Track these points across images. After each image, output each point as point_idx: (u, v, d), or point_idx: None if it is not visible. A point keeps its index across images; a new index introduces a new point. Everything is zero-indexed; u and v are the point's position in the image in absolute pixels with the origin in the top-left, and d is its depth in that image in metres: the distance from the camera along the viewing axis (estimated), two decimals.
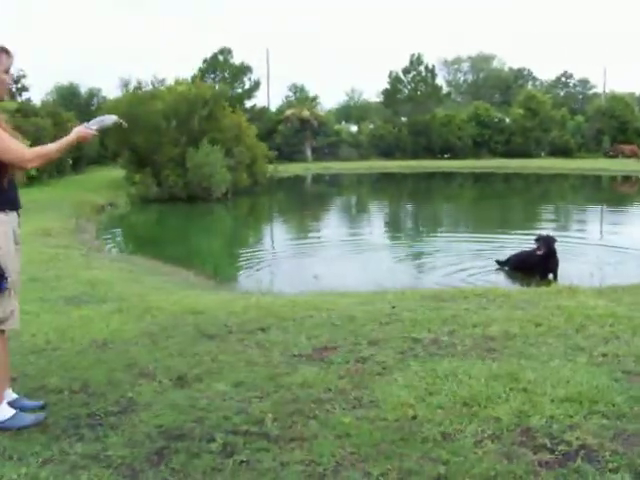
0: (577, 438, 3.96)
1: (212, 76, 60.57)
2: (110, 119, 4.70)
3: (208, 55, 62.26)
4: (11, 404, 4.45)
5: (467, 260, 13.91)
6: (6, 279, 4.18)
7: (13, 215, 4.30)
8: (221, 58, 62.22)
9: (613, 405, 4.40)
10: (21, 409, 4.46)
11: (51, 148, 4.39)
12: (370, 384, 4.95)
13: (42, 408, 4.56)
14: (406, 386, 4.83)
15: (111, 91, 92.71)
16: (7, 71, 4.28)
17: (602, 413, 4.30)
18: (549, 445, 3.91)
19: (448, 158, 62.25)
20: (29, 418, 4.35)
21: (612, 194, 37.64)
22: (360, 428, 4.20)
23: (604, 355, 5.44)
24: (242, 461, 3.81)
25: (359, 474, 3.67)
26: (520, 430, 4.11)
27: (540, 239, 11.81)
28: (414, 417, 4.33)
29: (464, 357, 5.48)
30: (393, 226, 24.09)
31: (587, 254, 14.85)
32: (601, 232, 20.58)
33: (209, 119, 31.35)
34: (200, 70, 60.00)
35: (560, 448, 3.87)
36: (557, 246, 11.84)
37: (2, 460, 3.85)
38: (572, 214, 27.05)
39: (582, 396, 4.50)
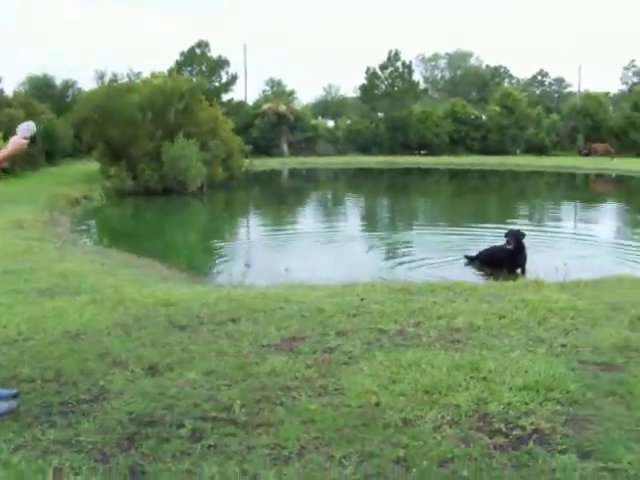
0: (531, 423, 4.14)
1: (189, 69, 60.37)
2: (30, 125, 4.60)
3: (185, 48, 61.98)
4: None
5: (439, 254, 14.13)
6: None
7: None
8: (198, 51, 62.00)
9: (567, 392, 4.60)
10: None
11: None
12: (336, 373, 5.10)
13: (15, 397, 4.64)
14: (370, 375, 4.98)
15: (86, 83, 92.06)
16: None
17: (557, 400, 4.49)
18: (504, 430, 4.08)
19: (425, 154, 62.44)
20: (2, 406, 4.44)
21: (586, 192, 38.38)
22: (325, 414, 4.35)
23: (563, 346, 5.64)
24: (210, 445, 3.94)
25: (322, 457, 3.81)
26: (478, 416, 4.28)
27: (509, 234, 11.99)
28: (377, 404, 4.49)
29: (428, 348, 5.65)
30: (368, 220, 24.32)
31: (561, 247, 15.34)
32: (575, 226, 21.29)
33: (185, 112, 31.32)
34: (177, 63, 59.83)
35: (514, 433, 4.05)
36: (532, 240, 12.02)
37: None
38: (547, 210, 27.58)
39: (539, 384, 4.69)
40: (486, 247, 13.01)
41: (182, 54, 61.58)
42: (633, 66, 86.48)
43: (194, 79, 47.47)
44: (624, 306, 7.01)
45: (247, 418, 4.33)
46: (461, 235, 17.09)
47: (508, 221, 19.77)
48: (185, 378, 5.01)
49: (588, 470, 3.63)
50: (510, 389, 4.65)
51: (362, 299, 7.37)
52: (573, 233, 18.77)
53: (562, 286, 8.38)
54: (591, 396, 4.56)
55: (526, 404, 4.43)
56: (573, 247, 15.41)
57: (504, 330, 6.16)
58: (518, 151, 65.59)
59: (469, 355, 5.37)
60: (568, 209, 28.25)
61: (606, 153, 55.44)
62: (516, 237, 11.85)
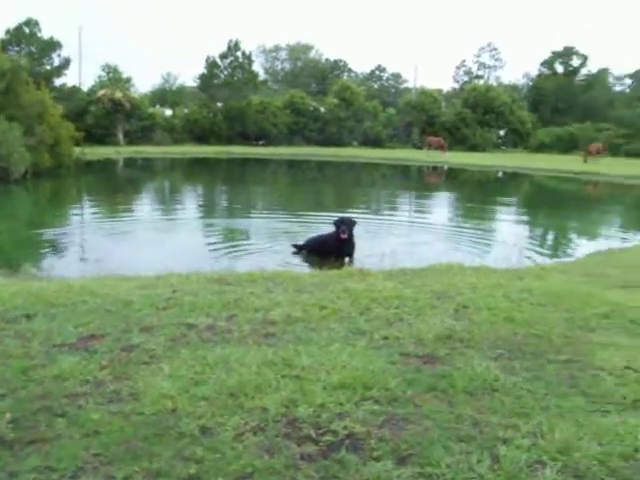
0: (344, 427, 3.71)
1: (16, 49, 56.73)
2: None
3: (12, 26, 58.17)
4: None
5: (271, 241, 13.63)
6: None
7: None
8: (27, 30, 58.37)
9: (386, 390, 4.21)
10: None
11: None
12: (133, 374, 4.48)
13: None
14: (171, 376, 4.39)
15: None
16: None
17: (374, 399, 4.09)
18: (314, 436, 3.63)
19: (263, 145, 62.22)
20: None
21: (420, 182, 39.42)
22: (112, 425, 3.74)
23: (385, 338, 5.30)
24: None
25: (100, 479, 3.20)
26: (286, 421, 3.80)
27: (340, 222, 11.70)
28: (173, 410, 3.92)
29: (239, 343, 5.13)
30: (204, 208, 23.47)
31: (395, 234, 15.30)
32: (409, 214, 21.49)
33: (7, 94, 29.20)
34: (2, 42, 55.94)
35: (325, 439, 3.60)
36: (365, 227, 11.74)
37: None
38: (383, 199, 27.96)
39: (356, 382, 4.28)
40: (313, 236, 12.60)
41: (8, 32, 57.72)
42: (464, 65, 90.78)
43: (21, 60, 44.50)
44: (450, 294, 6.82)
45: (16, 435, 3.63)
46: (297, 222, 16.63)
47: (344, 209, 19.65)
48: None
49: (403, 477, 3.24)
50: (324, 388, 4.20)
51: (174, 291, 6.73)
52: (408, 221, 18.82)
53: (389, 274, 8.12)
54: (411, 392, 4.20)
55: (341, 405, 3.99)
56: (407, 234, 15.44)
57: (324, 322, 5.73)
58: (355, 143, 67.18)
59: (283, 350, 4.89)
60: (403, 198, 28.69)
61: (439, 147, 57.47)
62: (348, 226, 11.56)
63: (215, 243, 13.92)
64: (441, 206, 25.46)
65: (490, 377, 4.47)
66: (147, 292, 6.74)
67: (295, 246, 12.40)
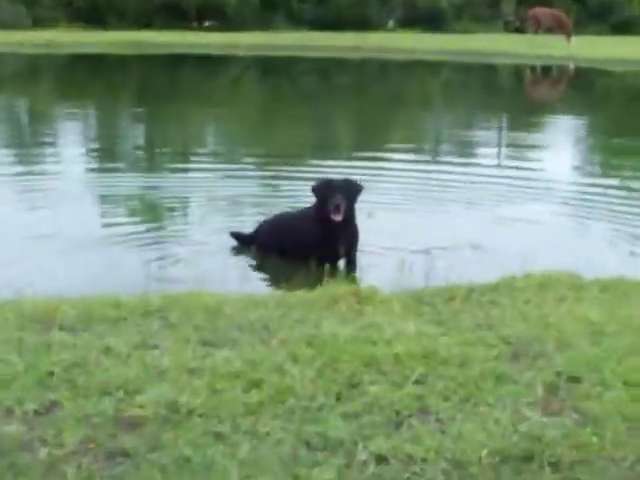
0: None
1: None
2: None
3: None
4: None
5: (214, 225, 7.61)
6: None
7: None
8: None
9: None
10: None
11: None
12: None
13: None
14: None
15: None
16: None
17: None
18: None
19: (210, 28, 37.67)
20: None
21: (520, 98, 23.75)
22: None
23: (383, 461, 2.36)
24: None
25: None
26: None
27: (328, 188, 6.23)
28: None
29: None
30: (94, 156, 12.91)
31: (472, 201, 8.81)
32: (499, 161, 12.75)
33: None
34: None
35: None
36: (416, 188, 8.17)
37: None
38: (447, 131, 16.80)
39: None
40: (279, 213, 7.06)
41: None
42: None
43: None
44: (540, 348, 3.34)
45: None
46: (277, 184, 9.92)
47: (367, 155, 12.05)
48: None
49: None
50: None
51: None
52: (495, 176, 10.56)
53: (416, 298, 4.28)
54: None
55: None
56: (494, 203, 8.80)
57: (246, 424, 2.52)
58: (391, 24, 41.07)
59: None
60: (486, 131, 16.44)
61: (557, 26, 33.60)
62: (346, 196, 6.11)
63: (111, 226, 7.55)
64: (560, 146, 14.38)
65: None
66: None
67: (236, 237, 6.94)
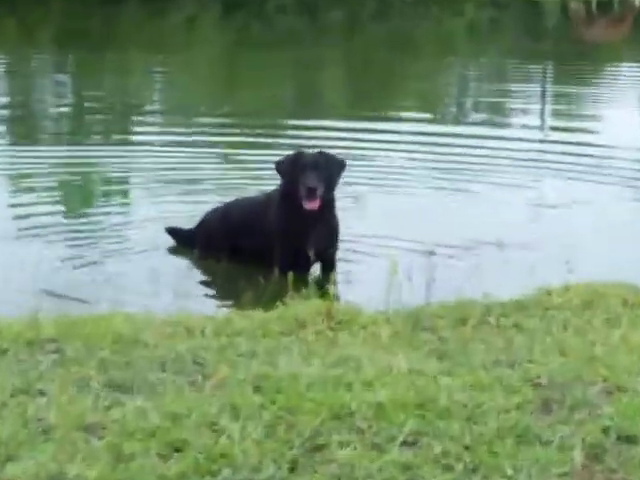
0: None
1: None
2: None
3: None
4: None
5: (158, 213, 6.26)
6: None
7: None
8: None
9: None
10: None
11: None
12: None
13: None
14: None
15: None
16: None
17: None
18: None
19: None
20: None
21: (568, 44, 19.90)
22: None
23: None
24: None
25: None
26: None
27: (298, 164, 5.07)
28: None
29: None
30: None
31: (507, 182, 7.54)
32: (542, 123, 10.98)
33: None
34: None
35: None
36: (435, 168, 6.83)
37: None
38: (476, 88, 14.14)
39: None
40: (230, 201, 5.89)
41: None
42: None
43: None
44: (582, 394, 2.76)
45: None
46: (250, 160, 8.30)
47: (370, 115, 10.34)
48: None
49: None
50: None
51: None
52: (538, 140, 9.48)
53: (412, 318, 3.56)
54: None
55: None
56: (536, 180, 7.68)
57: None
58: None
59: None
60: (526, 87, 13.74)
61: None
62: (323, 177, 4.97)
63: (15, 213, 6.47)
64: (621, 106, 12.06)
65: None
66: None
67: (174, 233, 5.68)
